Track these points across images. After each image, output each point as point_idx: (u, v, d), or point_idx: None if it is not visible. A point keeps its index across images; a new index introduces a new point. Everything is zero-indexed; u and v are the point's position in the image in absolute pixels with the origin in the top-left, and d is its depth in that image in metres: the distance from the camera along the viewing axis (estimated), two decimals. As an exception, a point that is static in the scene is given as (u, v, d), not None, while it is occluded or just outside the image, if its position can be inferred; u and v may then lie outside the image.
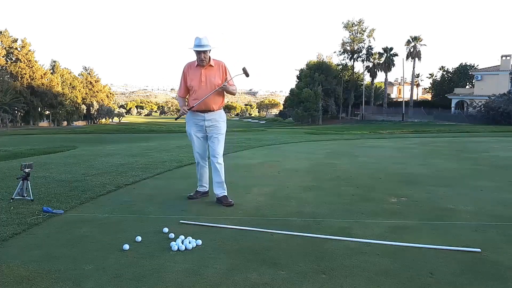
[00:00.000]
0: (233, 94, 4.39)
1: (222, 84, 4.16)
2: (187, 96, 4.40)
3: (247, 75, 4.27)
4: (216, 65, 4.22)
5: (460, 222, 3.52)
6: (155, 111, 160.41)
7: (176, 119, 4.70)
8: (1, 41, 53.91)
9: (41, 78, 56.60)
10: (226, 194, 4.24)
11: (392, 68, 54.03)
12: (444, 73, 57.97)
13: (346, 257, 2.73)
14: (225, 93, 4.37)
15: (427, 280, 2.39)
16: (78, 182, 5.19)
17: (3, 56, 53.66)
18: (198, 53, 4.08)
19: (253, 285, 2.33)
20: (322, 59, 57.32)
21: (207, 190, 4.53)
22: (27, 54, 55.51)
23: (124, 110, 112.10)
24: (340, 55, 56.40)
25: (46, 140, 20.38)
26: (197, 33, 4.08)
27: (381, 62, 53.92)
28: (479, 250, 2.82)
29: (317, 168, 6.68)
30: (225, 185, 4.27)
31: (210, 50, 4.13)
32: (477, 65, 52.94)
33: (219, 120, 4.31)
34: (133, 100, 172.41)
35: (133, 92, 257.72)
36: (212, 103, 4.23)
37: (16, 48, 55.42)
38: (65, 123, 64.16)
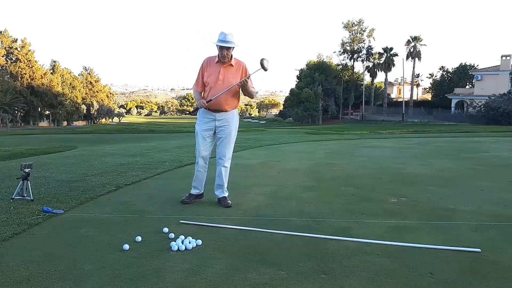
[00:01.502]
0: (251, 96, 4.22)
1: (244, 78, 3.94)
2: (202, 92, 4.18)
3: (265, 69, 3.99)
4: (236, 65, 4.03)
5: (460, 222, 3.52)
6: (155, 111, 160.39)
7: (192, 112, 4.43)
8: (1, 41, 53.91)
9: (41, 78, 56.59)
10: (226, 195, 4.18)
11: (392, 68, 54.14)
12: (444, 73, 57.97)
13: (346, 257, 2.73)
14: (241, 94, 4.19)
15: (427, 280, 2.39)
16: (78, 182, 5.19)
17: (3, 56, 53.66)
18: (221, 49, 3.88)
19: (253, 285, 2.33)
20: (322, 59, 57.36)
21: (201, 192, 4.29)
22: (27, 54, 55.50)
23: (124, 110, 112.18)
24: (340, 55, 56.55)
25: (46, 140, 20.37)
26: (223, 29, 3.95)
27: (381, 62, 53.95)
28: (479, 250, 2.82)
29: (317, 168, 6.68)
30: (226, 188, 4.20)
31: (233, 48, 3.93)
32: (477, 65, 52.98)
33: (231, 121, 4.12)
34: (133, 100, 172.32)
35: (133, 92, 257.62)
36: (225, 104, 4.03)
37: (16, 48, 55.40)
38: (65, 123, 64.15)
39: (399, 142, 12.50)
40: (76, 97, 64.81)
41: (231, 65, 4.00)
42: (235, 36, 3.92)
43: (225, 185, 4.19)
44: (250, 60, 4.07)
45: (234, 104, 4.16)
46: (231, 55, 3.98)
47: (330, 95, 54.13)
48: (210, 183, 4.41)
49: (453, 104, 45.70)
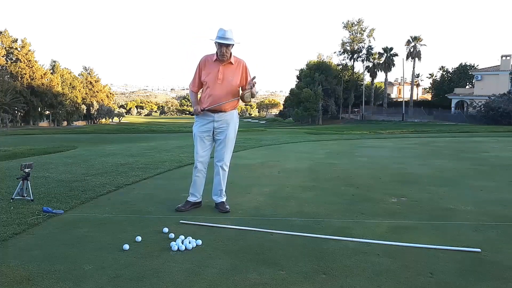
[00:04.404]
0: (249, 101, 4.04)
1: (249, 88, 3.79)
2: (199, 92, 3.99)
3: (253, 95, 3.88)
4: (236, 63, 3.82)
5: (460, 222, 3.53)
6: (155, 111, 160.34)
7: (192, 114, 4.18)
8: (1, 41, 53.86)
9: (41, 78, 56.55)
10: (224, 200, 4.02)
11: (392, 68, 54.29)
12: (444, 73, 58.02)
13: (346, 257, 2.73)
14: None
15: (427, 280, 2.39)
16: (78, 182, 5.19)
17: (3, 56, 53.60)
18: (220, 46, 3.66)
19: (253, 285, 2.33)
20: (322, 59, 57.40)
21: (198, 200, 4.07)
22: (27, 54, 55.46)
23: (124, 110, 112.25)
24: (340, 55, 56.63)
25: (46, 140, 20.36)
26: (222, 25, 3.82)
27: (381, 62, 54.03)
28: (479, 250, 2.82)
29: (317, 168, 6.67)
30: (224, 192, 4.03)
31: (233, 45, 3.72)
32: (477, 65, 53.01)
33: (231, 122, 3.92)
34: (133, 100, 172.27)
35: (133, 92, 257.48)
36: (225, 105, 3.84)
37: (16, 48, 55.36)
38: (65, 123, 64.14)
39: (399, 142, 12.49)
40: (76, 97, 64.77)
41: (231, 63, 3.80)
42: (234, 33, 3.72)
43: (223, 189, 4.01)
44: (250, 59, 4.02)
45: (235, 104, 3.99)
46: (231, 53, 3.76)
47: (330, 95, 54.15)
48: (208, 183, 4.36)
49: (453, 104, 45.71)
